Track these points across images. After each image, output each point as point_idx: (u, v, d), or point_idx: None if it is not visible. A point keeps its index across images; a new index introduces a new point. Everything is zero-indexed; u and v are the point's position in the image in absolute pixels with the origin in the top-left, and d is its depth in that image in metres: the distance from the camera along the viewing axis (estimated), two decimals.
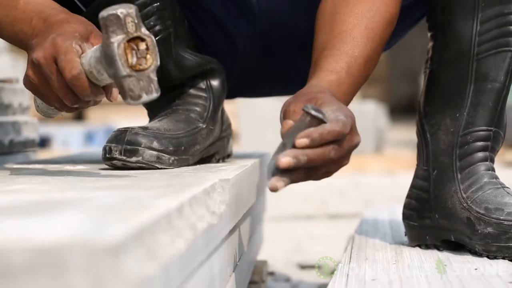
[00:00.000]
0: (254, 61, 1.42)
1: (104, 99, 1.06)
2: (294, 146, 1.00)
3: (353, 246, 1.25)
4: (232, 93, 1.44)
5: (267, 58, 1.42)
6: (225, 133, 1.37)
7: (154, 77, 0.99)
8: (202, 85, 1.32)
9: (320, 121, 1.01)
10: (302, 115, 1.03)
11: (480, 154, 1.21)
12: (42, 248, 0.50)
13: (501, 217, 1.16)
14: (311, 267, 2.08)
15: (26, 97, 1.69)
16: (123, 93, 0.98)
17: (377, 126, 5.37)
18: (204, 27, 1.37)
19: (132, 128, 1.20)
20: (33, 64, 1.05)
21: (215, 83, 1.33)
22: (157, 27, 1.25)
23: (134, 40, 0.98)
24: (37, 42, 1.05)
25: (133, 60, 0.98)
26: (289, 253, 2.32)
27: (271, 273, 2.04)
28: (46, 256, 0.50)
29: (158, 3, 1.25)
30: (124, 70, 0.97)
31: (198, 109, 1.30)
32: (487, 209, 1.17)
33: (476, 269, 1.08)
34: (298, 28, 1.39)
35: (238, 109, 4.52)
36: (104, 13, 0.98)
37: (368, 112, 5.32)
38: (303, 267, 2.12)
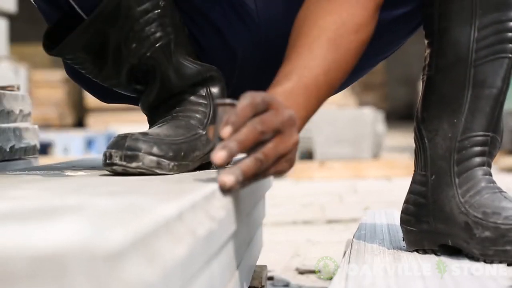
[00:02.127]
0: (254, 70, 1.42)
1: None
2: (221, 140, 0.95)
3: (351, 251, 1.25)
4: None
5: (267, 68, 1.43)
6: None
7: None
8: (202, 92, 1.33)
9: (233, 104, 0.98)
10: (217, 111, 1.00)
11: (478, 159, 1.22)
12: (43, 254, 0.50)
13: (499, 221, 1.16)
14: (310, 271, 2.08)
15: (27, 104, 1.70)
16: None
17: (375, 132, 5.38)
18: (204, 35, 1.38)
19: (132, 134, 1.20)
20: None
21: (215, 90, 1.33)
22: (158, 34, 1.26)
23: None
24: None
25: None
26: (288, 258, 2.32)
27: (271, 278, 2.04)
28: (46, 262, 0.50)
29: (159, 10, 1.25)
30: None
31: (198, 116, 1.30)
32: (485, 213, 1.18)
33: (472, 274, 1.09)
34: None
35: None
36: None
37: (365, 118, 5.32)
38: (302, 272, 2.12)
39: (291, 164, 1.02)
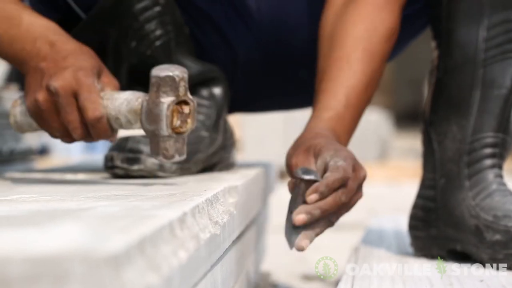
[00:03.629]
0: (255, 70, 1.41)
1: None
2: (304, 202, 1.04)
3: (357, 257, 1.24)
4: (232, 107, 1.42)
5: (268, 69, 1.41)
6: (228, 142, 1.36)
7: (186, 140, 1.04)
8: (204, 93, 1.31)
9: (315, 181, 1.05)
10: (295, 181, 1.07)
11: (488, 161, 1.21)
12: (43, 258, 0.50)
13: (510, 224, 1.15)
14: (315, 278, 2.07)
15: None
16: (157, 150, 1.02)
17: (380, 135, 5.38)
18: (205, 34, 1.36)
19: (134, 136, 1.19)
20: (48, 91, 1.05)
21: (217, 91, 1.32)
22: (158, 32, 1.24)
23: (180, 102, 1.02)
24: (50, 68, 1.06)
25: (177, 122, 1.02)
26: (292, 264, 2.31)
27: (275, 286, 2.03)
28: (46, 266, 0.50)
29: (159, 8, 1.23)
30: (167, 131, 1.01)
31: (200, 117, 1.29)
32: (496, 216, 1.16)
33: (482, 280, 1.08)
34: (299, 38, 1.38)
35: (242, 118, 4.52)
36: (159, 72, 1.02)
37: (370, 122, 5.32)
38: (307, 277, 2.10)
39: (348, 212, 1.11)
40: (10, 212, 0.75)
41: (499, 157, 1.22)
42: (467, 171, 1.21)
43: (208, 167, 1.30)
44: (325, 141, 1.09)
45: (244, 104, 1.49)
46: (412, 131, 7.12)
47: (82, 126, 1.06)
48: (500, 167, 1.22)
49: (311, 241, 1.05)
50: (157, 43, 1.24)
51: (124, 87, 1.31)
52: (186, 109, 1.03)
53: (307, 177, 1.05)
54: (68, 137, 1.08)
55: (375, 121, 5.37)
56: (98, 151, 5.32)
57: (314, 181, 1.05)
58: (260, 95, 1.48)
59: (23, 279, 0.49)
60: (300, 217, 1.03)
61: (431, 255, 1.24)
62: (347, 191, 1.05)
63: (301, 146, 1.10)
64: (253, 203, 1.24)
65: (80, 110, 1.05)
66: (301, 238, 1.04)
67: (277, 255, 2.34)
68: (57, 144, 5.40)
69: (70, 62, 1.06)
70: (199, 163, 1.26)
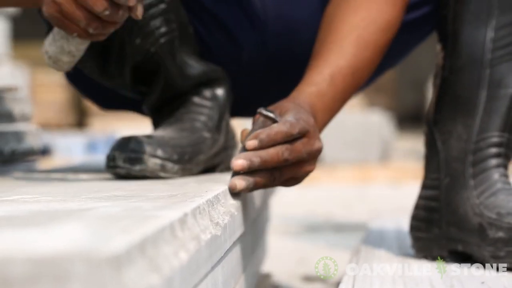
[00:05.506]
0: (259, 69, 1.41)
1: None
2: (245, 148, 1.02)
3: (358, 258, 1.24)
4: (233, 111, 1.42)
5: (273, 67, 1.41)
6: (230, 143, 1.36)
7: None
8: (207, 94, 1.31)
9: (273, 121, 1.04)
10: (256, 118, 1.06)
11: (494, 161, 1.21)
12: (44, 258, 0.50)
13: None
14: (316, 279, 2.07)
15: (27, 106, 1.69)
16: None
17: (382, 136, 5.38)
18: (210, 33, 1.36)
19: (136, 136, 1.19)
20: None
21: (220, 92, 1.32)
22: (162, 29, 1.24)
23: None
24: None
25: None
26: (293, 265, 2.31)
27: (275, 287, 2.03)
28: (47, 266, 0.50)
29: (165, 6, 1.23)
30: None
31: (203, 118, 1.29)
32: (499, 214, 1.17)
33: (483, 282, 1.07)
34: (304, 39, 1.38)
35: (243, 119, 4.52)
36: None
37: (372, 122, 5.32)
38: (308, 279, 2.10)
39: (297, 183, 1.09)
40: (12, 212, 0.75)
41: (505, 157, 1.22)
42: (472, 170, 1.21)
43: (210, 168, 1.30)
44: (294, 105, 1.09)
45: (246, 108, 1.49)
46: (414, 132, 7.12)
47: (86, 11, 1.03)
48: (505, 166, 1.22)
49: (248, 187, 1.00)
50: (162, 40, 1.23)
51: (128, 87, 1.31)
52: None
53: (265, 111, 1.05)
54: (96, 21, 1.04)
55: (377, 122, 5.37)
56: (100, 152, 5.33)
57: (273, 121, 1.04)
58: (262, 98, 1.47)
59: (24, 279, 0.49)
60: (238, 162, 0.99)
61: (432, 256, 1.24)
62: (291, 149, 1.03)
63: (272, 106, 1.10)
64: (254, 204, 1.24)
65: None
66: (237, 178, 0.99)
67: (278, 256, 2.34)
68: (59, 145, 5.40)
69: None
70: (201, 164, 1.26)
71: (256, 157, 1.00)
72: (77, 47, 1.09)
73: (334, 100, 1.17)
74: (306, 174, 1.07)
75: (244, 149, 1.03)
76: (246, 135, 1.06)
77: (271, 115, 1.05)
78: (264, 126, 1.05)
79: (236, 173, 1.01)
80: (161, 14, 1.23)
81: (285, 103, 1.10)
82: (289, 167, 1.05)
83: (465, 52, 1.23)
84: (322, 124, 1.17)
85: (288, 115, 1.06)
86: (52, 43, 1.10)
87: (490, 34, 1.22)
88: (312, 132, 1.06)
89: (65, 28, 1.06)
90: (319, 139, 1.08)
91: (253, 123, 1.07)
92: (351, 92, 1.20)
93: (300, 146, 1.04)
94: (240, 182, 0.99)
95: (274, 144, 1.02)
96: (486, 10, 1.22)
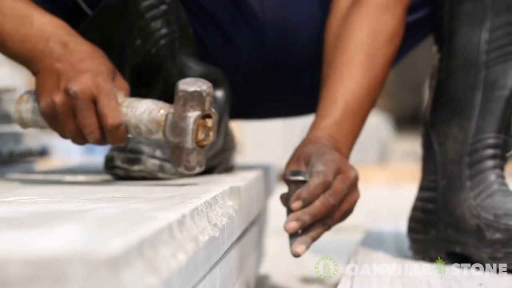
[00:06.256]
0: (258, 72, 1.41)
1: None
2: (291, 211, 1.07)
3: (356, 260, 1.23)
4: (232, 113, 1.42)
5: (271, 70, 1.41)
6: (228, 144, 1.36)
7: (205, 152, 1.06)
8: None
9: (304, 182, 1.08)
10: (288, 185, 1.10)
11: (490, 162, 1.21)
12: (41, 259, 0.50)
13: (510, 223, 1.15)
14: (314, 280, 2.07)
15: None
16: (180, 161, 1.05)
17: (380, 138, 5.38)
18: (209, 34, 1.36)
19: (135, 137, 1.19)
20: (66, 94, 1.06)
21: (219, 93, 1.31)
22: (163, 31, 1.23)
23: (204, 116, 1.05)
24: (67, 70, 1.06)
25: (201, 136, 1.04)
26: (291, 267, 2.30)
27: None
28: (45, 267, 0.49)
29: (165, 7, 1.23)
30: (192, 144, 1.03)
31: None
32: (496, 215, 1.16)
33: (481, 284, 1.07)
34: (302, 41, 1.38)
35: (242, 121, 4.52)
36: (186, 86, 1.04)
37: (371, 125, 5.31)
38: (307, 280, 2.10)
39: (351, 214, 1.12)
40: (10, 214, 0.75)
41: (501, 158, 1.22)
42: (468, 172, 1.21)
43: (208, 170, 1.30)
44: (314, 148, 1.11)
45: (244, 110, 1.49)
46: (412, 134, 7.11)
47: (98, 130, 1.06)
48: (501, 168, 1.22)
49: (307, 246, 1.06)
50: (162, 41, 1.23)
51: None
52: (209, 122, 1.05)
53: (293, 178, 1.08)
54: (81, 139, 1.09)
55: (375, 124, 5.36)
56: (98, 153, 5.31)
57: (304, 182, 1.07)
58: (260, 101, 1.47)
59: (22, 280, 0.49)
60: (290, 225, 1.05)
61: (430, 258, 1.24)
62: (334, 193, 1.07)
63: (294, 156, 1.13)
64: (253, 206, 1.23)
65: (99, 116, 1.05)
66: (297, 244, 1.06)
67: (276, 258, 2.34)
68: (57, 145, 5.40)
69: (88, 65, 1.07)
70: None
71: (305, 215, 1.05)
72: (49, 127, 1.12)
73: (353, 124, 1.19)
74: (355, 203, 1.10)
75: (290, 211, 1.07)
76: (285, 199, 1.10)
77: (300, 178, 1.08)
78: (298, 188, 1.08)
79: (292, 236, 1.06)
80: (161, 16, 1.23)
81: (304, 149, 1.13)
82: (337, 207, 1.08)
83: (460, 54, 1.23)
84: (348, 150, 1.19)
85: (315, 162, 1.08)
86: (30, 113, 1.11)
87: (484, 35, 1.22)
88: (343, 165, 1.09)
89: (52, 127, 1.09)
90: (351, 167, 1.10)
91: (289, 189, 1.10)
92: (368, 110, 1.22)
93: (340, 185, 1.07)
94: (301, 248, 1.05)
95: (317, 198, 1.06)
96: (481, 11, 1.22)
